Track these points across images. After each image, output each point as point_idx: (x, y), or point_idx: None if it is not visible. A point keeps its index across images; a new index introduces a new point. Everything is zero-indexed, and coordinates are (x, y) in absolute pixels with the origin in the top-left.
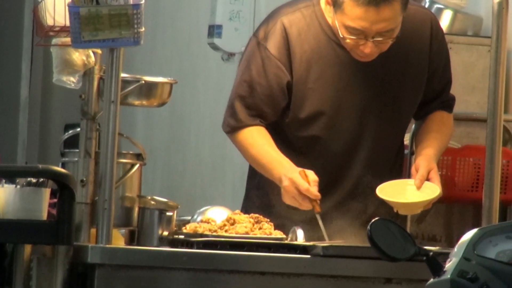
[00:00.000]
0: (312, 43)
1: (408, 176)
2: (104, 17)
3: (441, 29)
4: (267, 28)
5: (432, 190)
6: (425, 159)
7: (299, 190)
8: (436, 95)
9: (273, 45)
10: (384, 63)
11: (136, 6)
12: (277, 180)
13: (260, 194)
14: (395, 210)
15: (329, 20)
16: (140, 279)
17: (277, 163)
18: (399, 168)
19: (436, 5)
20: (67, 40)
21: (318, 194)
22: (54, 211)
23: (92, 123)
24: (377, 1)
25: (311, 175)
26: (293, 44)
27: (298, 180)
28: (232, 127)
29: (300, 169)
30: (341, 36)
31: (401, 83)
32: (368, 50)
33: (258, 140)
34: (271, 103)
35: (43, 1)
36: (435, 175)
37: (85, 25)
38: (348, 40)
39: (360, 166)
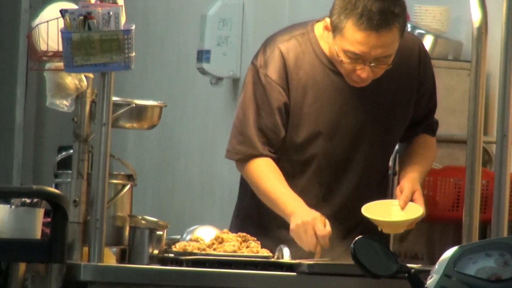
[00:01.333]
0: (308, 70)
1: (391, 195)
2: (96, 42)
3: (428, 55)
4: (266, 55)
5: (415, 210)
6: (409, 181)
7: (311, 233)
8: (421, 119)
9: (273, 70)
10: (376, 88)
11: (127, 31)
12: (287, 217)
13: (249, 214)
14: (379, 229)
15: (324, 47)
16: None
17: (291, 199)
18: (384, 188)
19: (418, 30)
20: (60, 64)
21: (328, 243)
22: (47, 230)
23: (84, 145)
24: (378, 27)
25: (328, 226)
26: (290, 70)
27: (318, 223)
28: (244, 155)
29: (317, 213)
30: (340, 60)
31: (392, 108)
32: (365, 75)
33: (272, 174)
34: (275, 129)
35: (36, 27)
36: (419, 196)
37: (77, 50)
38: (346, 65)
39: (350, 186)
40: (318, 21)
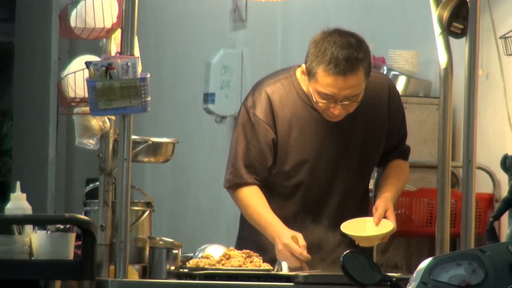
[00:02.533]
0: (291, 108)
1: (371, 215)
2: (116, 89)
3: (397, 92)
4: (254, 98)
5: (387, 226)
6: (383, 200)
7: (292, 254)
8: (394, 147)
9: (260, 111)
10: (351, 122)
11: (143, 79)
12: (271, 240)
13: (251, 233)
14: (356, 243)
15: (304, 88)
16: None
17: (271, 226)
18: (365, 208)
19: (393, 72)
20: (86, 109)
21: (309, 256)
22: (79, 252)
23: (108, 177)
24: (344, 72)
25: (301, 240)
26: (276, 109)
27: (292, 245)
28: (233, 183)
29: (291, 233)
30: (315, 100)
31: (365, 139)
32: (337, 112)
33: (254, 202)
34: (262, 160)
35: (65, 77)
36: (391, 213)
37: (101, 96)
38: (320, 104)
39: (333, 207)
40: (299, 66)
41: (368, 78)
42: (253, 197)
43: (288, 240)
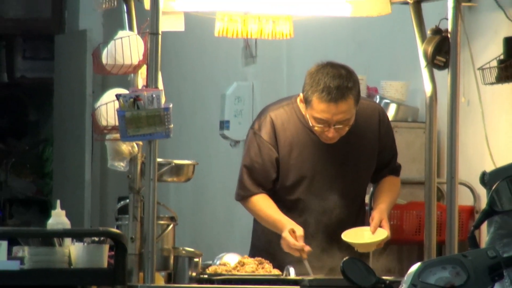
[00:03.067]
0: (292, 131)
1: (368, 225)
2: (143, 118)
3: (386, 117)
4: (260, 121)
5: (382, 234)
6: (378, 211)
7: (289, 245)
8: (386, 164)
9: (265, 133)
10: (345, 143)
11: (166, 109)
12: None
13: (262, 242)
14: (355, 249)
15: (305, 113)
16: None
17: (277, 222)
18: (362, 219)
19: (384, 100)
20: (117, 135)
21: (302, 246)
22: (112, 261)
23: (137, 195)
24: (336, 99)
25: (298, 231)
26: (278, 132)
27: (287, 238)
28: (242, 196)
29: (290, 226)
30: (311, 125)
31: (358, 158)
32: (331, 135)
33: (263, 206)
34: (266, 176)
35: (99, 108)
36: (385, 223)
37: (129, 124)
38: (316, 128)
39: (332, 219)
40: (300, 97)
41: (358, 105)
42: (262, 202)
43: (286, 233)
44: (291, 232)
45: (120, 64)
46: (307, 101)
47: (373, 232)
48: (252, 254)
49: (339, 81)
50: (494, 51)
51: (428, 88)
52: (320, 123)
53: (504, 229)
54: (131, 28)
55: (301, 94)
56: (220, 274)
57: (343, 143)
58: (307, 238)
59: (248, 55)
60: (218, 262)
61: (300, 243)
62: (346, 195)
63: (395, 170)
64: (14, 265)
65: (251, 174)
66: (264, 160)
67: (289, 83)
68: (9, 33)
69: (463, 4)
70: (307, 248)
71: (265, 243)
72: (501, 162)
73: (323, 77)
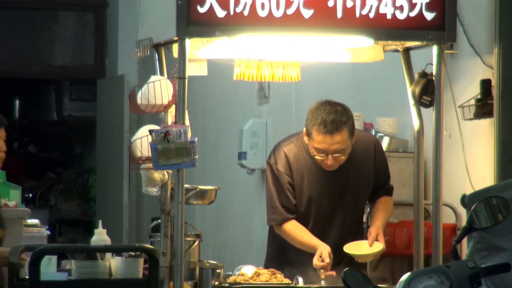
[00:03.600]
0: (302, 162)
1: (366, 239)
2: (172, 150)
3: (380, 146)
4: (275, 156)
5: (378, 246)
6: (375, 227)
7: (316, 266)
8: (380, 187)
9: (281, 165)
10: (345, 170)
11: (192, 142)
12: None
13: (275, 251)
14: (355, 260)
15: (312, 144)
16: None
17: (312, 247)
18: (361, 234)
19: (379, 134)
20: (150, 165)
21: (325, 264)
22: (146, 272)
23: (168, 216)
24: (331, 132)
25: (326, 257)
26: (291, 163)
27: (315, 262)
28: (277, 221)
29: (320, 252)
30: (312, 154)
31: (357, 183)
32: (330, 162)
33: (298, 233)
34: (289, 201)
35: (134, 142)
36: (381, 237)
37: (161, 155)
38: (317, 157)
39: (335, 234)
40: (307, 131)
41: (353, 136)
42: (296, 230)
43: (315, 259)
44: (319, 256)
45: (152, 104)
46: (308, 134)
47: (371, 245)
48: (267, 265)
49: (334, 116)
50: (472, 91)
51: (416, 124)
52: (319, 152)
53: (481, 244)
54: (162, 73)
55: (304, 129)
56: (239, 284)
57: (344, 170)
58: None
59: (262, 96)
60: (237, 273)
61: (323, 263)
62: (346, 214)
63: (389, 191)
64: (63, 276)
65: (279, 201)
66: (284, 189)
67: (297, 120)
68: (58, 78)
69: (446, 51)
70: (328, 273)
71: (278, 251)
72: (478, 186)
73: (321, 113)
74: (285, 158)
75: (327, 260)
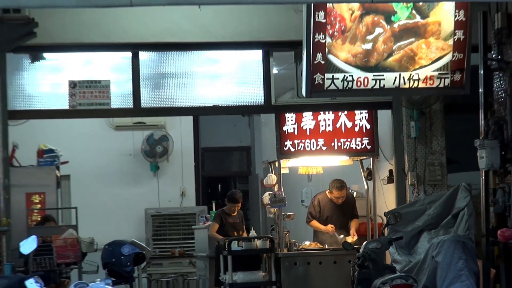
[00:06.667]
0: (324, 202)
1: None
2: (277, 200)
3: (353, 197)
4: (314, 198)
5: (354, 237)
6: (352, 229)
7: (328, 230)
8: (353, 214)
9: (316, 202)
10: (341, 206)
11: (283, 197)
12: (325, 231)
13: (314, 237)
14: (346, 241)
15: (328, 195)
16: None
17: (323, 228)
18: (346, 232)
19: (352, 191)
20: (269, 206)
21: (331, 227)
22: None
23: (276, 225)
24: (340, 189)
25: (331, 228)
26: (320, 202)
27: (327, 228)
28: (308, 221)
29: (327, 227)
30: (332, 198)
31: (346, 211)
32: (340, 201)
33: (315, 224)
34: (315, 215)
35: (264, 197)
36: (354, 233)
37: (273, 202)
38: (334, 199)
39: (336, 231)
40: (327, 190)
41: (346, 192)
42: (315, 223)
43: (328, 227)
44: (329, 228)
45: (269, 184)
46: (331, 191)
47: (352, 236)
48: (313, 240)
49: (341, 184)
50: (387, 173)
51: (365, 186)
52: (336, 197)
53: (392, 230)
54: (271, 172)
55: (327, 190)
56: (305, 249)
57: (341, 205)
58: (328, 237)
59: (309, 180)
60: (303, 243)
61: (332, 228)
62: (342, 223)
63: (356, 216)
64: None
65: (311, 214)
66: (316, 210)
67: (323, 188)
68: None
69: (376, 159)
70: (333, 227)
71: (314, 236)
72: (390, 207)
73: (335, 183)
74: (317, 200)
75: (332, 228)
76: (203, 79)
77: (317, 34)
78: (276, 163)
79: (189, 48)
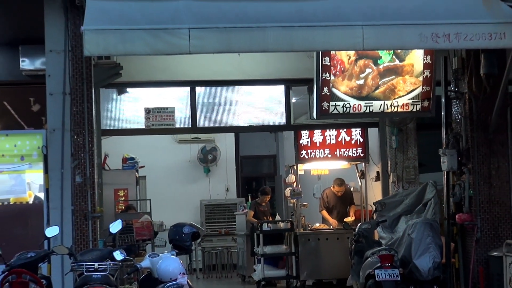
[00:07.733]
0: (330, 195)
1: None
2: (295, 193)
3: (351, 190)
4: (323, 193)
5: (351, 218)
6: (351, 213)
7: (331, 223)
8: (351, 202)
9: (325, 195)
10: (342, 197)
11: (299, 192)
12: (331, 222)
13: (324, 221)
14: (345, 222)
15: (333, 189)
16: None
17: (330, 219)
18: (346, 216)
19: (349, 186)
20: (289, 197)
21: (334, 221)
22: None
23: (294, 211)
24: (340, 185)
25: (333, 221)
26: (327, 195)
27: (332, 221)
28: (320, 210)
29: (332, 220)
30: (334, 191)
31: (346, 201)
32: (340, 194)
33: (325, 214)
34: (325, 205)
35: (285, 191)
36: (352, 215)
37: (292, 195)
38: (335, 192)
39: (339, 216)
40: (332, 186)
41: (345, 187)
42: (325, 213)
43: (332, 221)
44: (334, 222)
45: (288, 182)
46: (333, 186)
47: (351, 218)
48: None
49: (341, 181)
50: (375, 173)
51: (359, 183)
52: (336, 191)
53: (379, 215)
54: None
55: (332, 186)
56: (316, 229)
57: (342, 196)
58: (333, 217)
59: (318, 178)
60: (313, 225)
61: (335, 223)
62: (343, 210)
63: (354, 203)
64: None
65: (322, 204)
66: (325, 201)
67: (327, 185)
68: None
69: (366, 164)
70: (336, 222)
71: (322, 218)
72: (378, 198)
73: (337, 181)
74: (325, 193)
75: (335, 223)
76: (241, 106)
77: (324, 73)
78: (295, 167)
79: (231, 84)
